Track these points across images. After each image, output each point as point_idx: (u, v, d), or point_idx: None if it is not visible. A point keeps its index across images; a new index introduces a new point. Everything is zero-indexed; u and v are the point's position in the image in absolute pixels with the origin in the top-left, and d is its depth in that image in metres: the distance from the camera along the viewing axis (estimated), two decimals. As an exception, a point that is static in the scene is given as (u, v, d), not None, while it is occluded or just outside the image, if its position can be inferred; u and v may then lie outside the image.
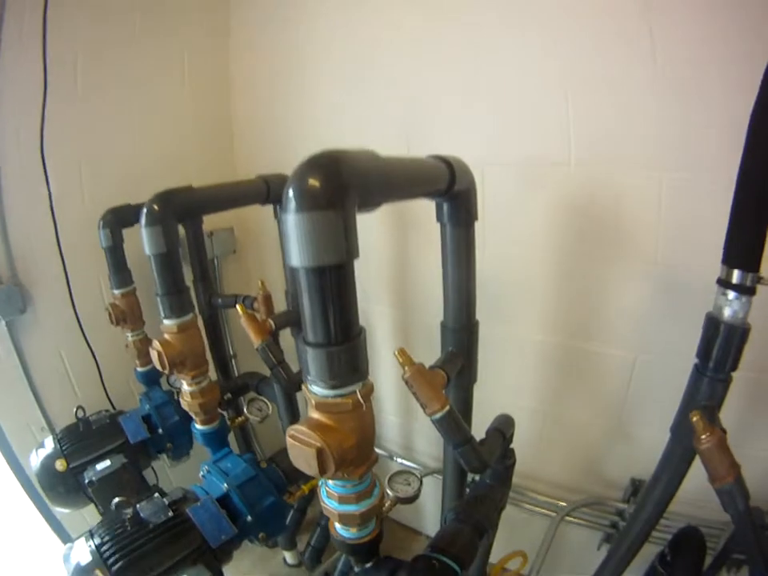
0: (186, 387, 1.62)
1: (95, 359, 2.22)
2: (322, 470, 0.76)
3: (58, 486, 1.77)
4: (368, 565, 1.08)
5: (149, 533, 1.37)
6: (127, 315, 2.00)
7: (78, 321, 2.14)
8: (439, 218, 1.21)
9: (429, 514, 2.77)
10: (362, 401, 0.78)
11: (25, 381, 2.05)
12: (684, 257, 1.63)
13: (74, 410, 1.91)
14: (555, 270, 1.88)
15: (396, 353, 1.08)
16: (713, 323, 1.16)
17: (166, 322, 1.52)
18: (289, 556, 2.67)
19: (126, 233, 1.94)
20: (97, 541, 1.35)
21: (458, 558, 1.17)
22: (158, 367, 1.50)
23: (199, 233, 2.09)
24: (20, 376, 2.04)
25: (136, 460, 1.88)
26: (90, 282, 2.19)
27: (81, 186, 2.11)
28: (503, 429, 1.39)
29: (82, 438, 1.85)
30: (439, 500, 1.68)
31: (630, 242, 1.71)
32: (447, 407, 1.09)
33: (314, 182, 0.68)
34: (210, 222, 2.24)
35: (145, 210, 1.41)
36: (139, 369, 2.11)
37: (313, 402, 0.78)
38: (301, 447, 0.76)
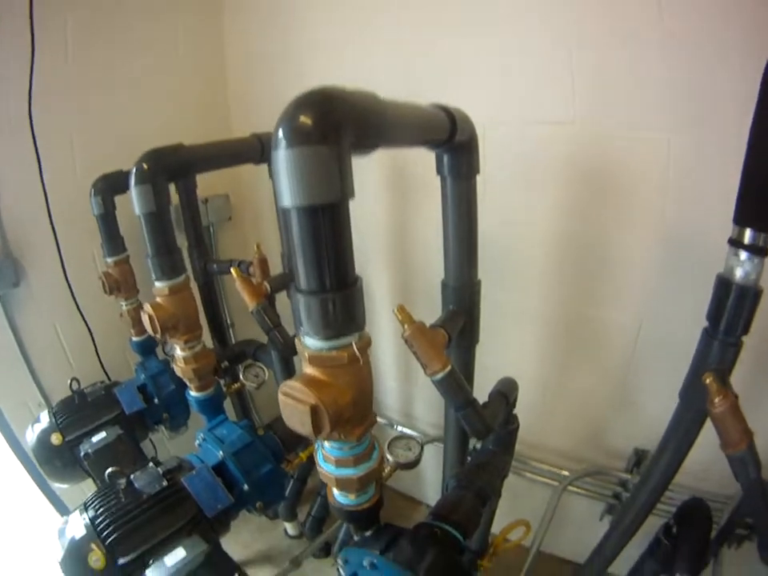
0: (179, 352, 1.57)
1: (90, 331, 2.18)
2: (317, 429, 0.71)
3: (55, 460, 1.74)
4: (368, 533, 1.04)
5: (143, 503, 1.33)
6: (121, 284, 1.95)
7: (72, 292, 2.10)
8: (439, 170, 1.16)
9: (430, 482, 2.75)
10: (358, 354, 0.73)
11: (20, 356, 2.02)
12: (692, 219, 1.57)
13: (68, 382, 1.88)
14: (558, 233, 1.82)
15: (395, 310, 1.03)
16: (724, 285, 1.10)
17: (158, 284, 1.46)
18: (289, 527, 2.65)
19: (119, 201, 1.88)
20: (91, 513, 1.31)
21: (461, 526, 1.13)
22: (150, 332, 1.45)
23: (193, 198, 2.03)
24: (15, 351, 2.00)
25: (132, 431, 1.85)
26: (83, 252, 2.13)
27: (72, 155, 2.05)
28: (506, 392, 1.35)
29: (77, 410, 1.82)
30: (440, 469, 1.65)
31: (637, 204, 1.65)
32: (449, 367, 1.04)
33: (305, 119, 0.62)
34: (205, 188, 2.19)
35: (134, 169, 1.35)
36: (134, 338, 2.06)
37: (306, 355, 0.73)
38: (294, 405, 0.71)
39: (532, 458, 2.20)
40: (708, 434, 1.18)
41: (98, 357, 2.22)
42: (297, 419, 0.72)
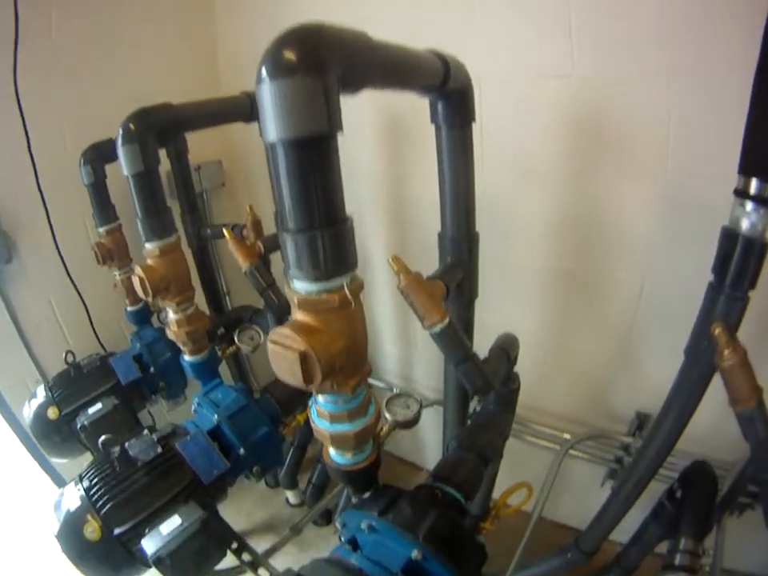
0: (171, 315, 1.52)
1: (84, 303, 2.14)
2: (307, 379, 0.68)
3: (53, 435, 1.73)
4: (366, 494, 1.01)
5: (137, 471, 1.31)
6: (114, 253, 1.92)
7: (65, 265, 2.06)
8: (434, 119, 1.11)
9: (430, 447, 2.72)
10: (350, 297, 0.69)
11: (15, 333, 2.00)
12: (695, 172, 1.51)
13: (63, 355, 1.84)
14: (558, 187, 1.77)
15: (390, 260, 0.99)
16: (729, 237, 1.05)
17: (148, 245, 1.41)
18: (291, 495, 2.65)
19: (110, 171, 1.84)
20: (86, 484, 1.29)
21: (462, 488, 1.11)
22: (141, 294, 1.41)
23: (185, 163, 2.01)
24: (10, 329, 1.98)
25: (129, 401, 1.83)
26: (76, 223, 2.10)
27: (61, 125, 2.01)
28: (507, 348, 1.31)
29: (73, 383, 1.80)
30: (440, 433, 1.62)
31: (637, 157, 1.59)
32: (447, 319, 1.00)
33: (289, 53, 0.59)
34: (197, 155, 2.15)
35: (121, 130, 1.30)
36: (129, 308, 2.03)
37: (295, 300, 0.69)
38: (283, 352, 0.67)
39: (532, 420, 2.17)
40: (712, 398, 1.16)
41: (94, 329, 2.19)
42: (286, 368, 0.68)
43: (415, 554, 0.89)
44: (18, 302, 2.00)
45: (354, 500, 1.04)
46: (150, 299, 1.40)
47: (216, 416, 1.45)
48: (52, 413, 1.70)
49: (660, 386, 1.33)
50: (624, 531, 1.66)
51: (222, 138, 2.27)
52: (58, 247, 2.02)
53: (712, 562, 1.47)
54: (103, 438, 1.34)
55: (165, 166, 1.84)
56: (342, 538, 1.01)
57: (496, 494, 1.45)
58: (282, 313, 1.68)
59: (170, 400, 1.99)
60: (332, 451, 0.93)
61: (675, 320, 1.35)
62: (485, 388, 1.10)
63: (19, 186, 1.91)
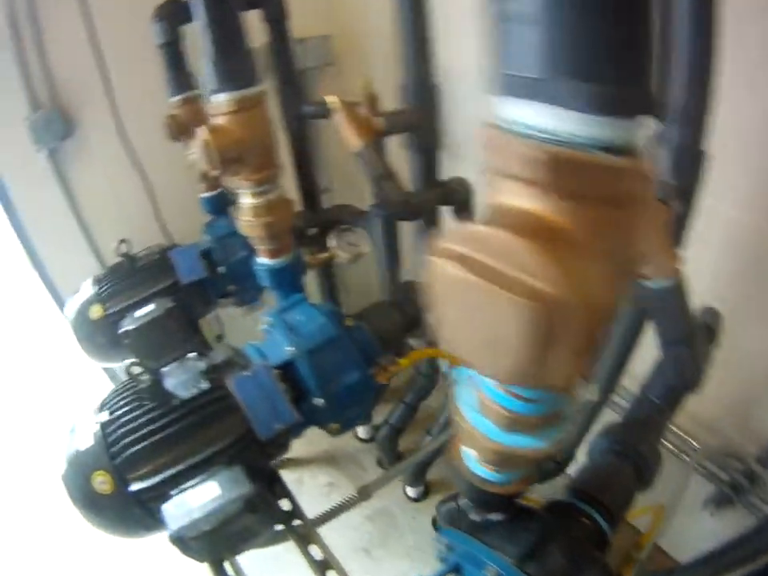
0: (247, 200, 1.17)
1: (149, 186, 1.88)
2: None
3: (96, 335, 1.47)
4: (495, 516, 0.70)
5: (171, 411, 0.98)
6: (190, 126, 1.55)
7: (131, 143, 1.79)
8: None
9: None
10: None
11: (73, 219, 1.78)
12: None
13: (117, 244, 1.55)
14: None
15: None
16: None
17: (220, 96, 1.02)
18: (361, 429, 2.40)
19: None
20: (103, 418, 0.99)
21: (609, 512, 0.79)
22: (205, 166, 1.03)
23: (283, 29, 1.66)
24: (67, 213, 1.76)
25: (189, 305, 1.52)
26: (142, 99, 1.79)
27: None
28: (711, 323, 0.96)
29: (125, 278, 1.53)
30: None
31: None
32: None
33: None
34: (302, 28, 1.79)
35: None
36: (204, 194, 1.72)
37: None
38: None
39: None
40: None
41: (159, 216, 1.92)
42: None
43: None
44: (76, 183, 1.77)
45: (471, 515, 0.70)
46: (216, 173, 1.05)
47: (292, 347, 1.07)
48: (95, 311, 1.45)
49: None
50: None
51: (332, 9, 1.90)
52: (122, 124, 1.76)
53: None
54: (129, 362, 1.00)
55: (259, 39, 1.63)
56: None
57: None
58: (394, 213, 1.35)
59: (242, 306, 1.71)
60: (469, 452, 0.60)
61: None
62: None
63: (79, 52, 1.65)
